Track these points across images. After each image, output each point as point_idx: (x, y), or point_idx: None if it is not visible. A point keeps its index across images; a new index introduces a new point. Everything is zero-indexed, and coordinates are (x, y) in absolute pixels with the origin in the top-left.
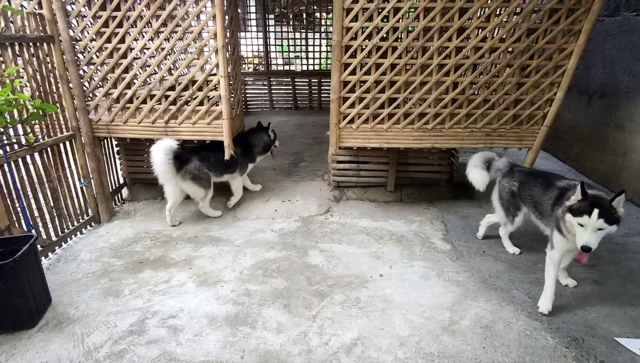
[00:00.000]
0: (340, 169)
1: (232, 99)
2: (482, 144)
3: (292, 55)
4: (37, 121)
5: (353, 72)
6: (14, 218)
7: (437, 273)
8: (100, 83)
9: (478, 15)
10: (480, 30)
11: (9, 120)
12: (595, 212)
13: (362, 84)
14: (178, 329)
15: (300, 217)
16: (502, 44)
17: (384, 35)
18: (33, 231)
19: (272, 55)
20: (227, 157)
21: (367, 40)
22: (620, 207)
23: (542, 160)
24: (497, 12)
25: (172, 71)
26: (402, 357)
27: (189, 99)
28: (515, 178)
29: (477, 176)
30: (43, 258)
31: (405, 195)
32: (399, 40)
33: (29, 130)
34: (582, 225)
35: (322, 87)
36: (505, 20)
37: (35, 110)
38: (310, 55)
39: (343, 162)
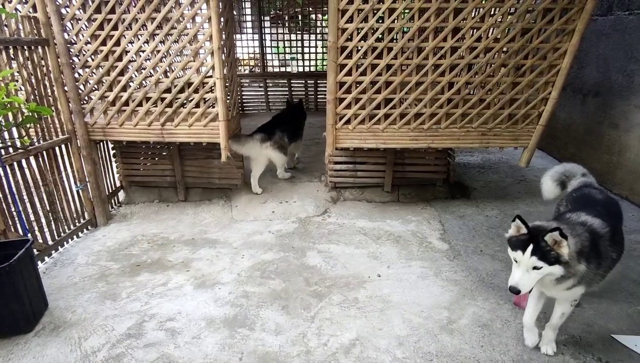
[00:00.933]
0: (338, 170)
1: (228, 101)
2: (478, 144)
3: (288, 56)
4: (32, 124)
5: (349, 73)
6: (10, 223)
7: (434, 272)
8: (95, 86)
9: (472, 15)
10: (474, 30)
11: (3, 124)
12: (530, 247)
13: (358, 85)
14: (176, 332)
15: (298, 218)
16: (497, 44)
17: (380, 36)
18: (29, 235)
19: (268, 56)
20: (223, 159)
21: (362, 41)
22: (564, 247)
23: (538, 159)
24: (492, 12)
25: (168, 74)
26: (400, 356)
27: (185, 101)
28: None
29: (546, 188)
30: (39, 262)
31: (403, 195)
32: (395, 41)
33: (24, 133)
34: (516, 261)
35: (319, 88)
36: (499, 20)
37: (30, 114)
38: (306, 56)
39: (340, 163)
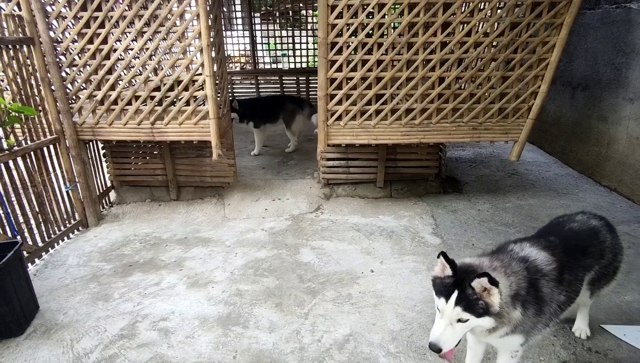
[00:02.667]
0: (330, 167)
1: (218, 99)
2: (469, 138)
3: (279, 53)
4: (19, 125)
5: (339, 69)
6: None
7: (427, 267)
8: (83, 85)
9: (462, 9)
10: (464, 24)
11: None
12: (455, 295)
13: (348, 81)
14: (169, 331)
15: (291, 215)
16: (486, 38)
17: (369, 31)
18: (18, 237)
19: (259, 53)
20: (214, 157)
21: (352, 37)
22: (494, 295)
23: (529, 153)
24: (481, 7)
25: (157, 71)
26: (394, 351)
27: (175, 99)
28: None
29: None
30: (29, 264)
31: (395, 190)
32: (385, 36)
33: (9, 134)
34: (439, 310)
35: (310, 85)
36: (488, 14)
37: (13, 114)
38: (298, 53)
39: (332, 160)
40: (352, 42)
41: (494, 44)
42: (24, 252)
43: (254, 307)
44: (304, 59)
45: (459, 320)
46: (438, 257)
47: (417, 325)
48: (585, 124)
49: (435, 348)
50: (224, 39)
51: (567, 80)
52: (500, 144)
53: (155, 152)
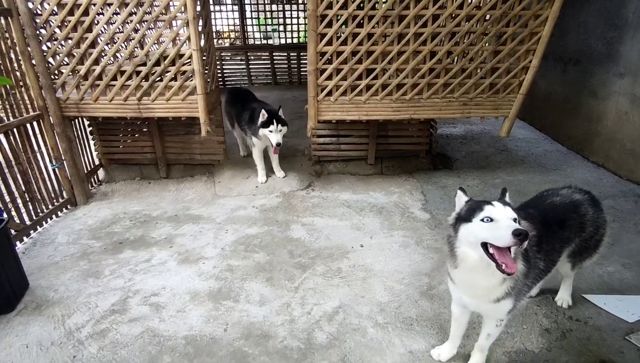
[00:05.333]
0: (321, 144)
1: (206, 73)
2: (460, 114)
3: (269, 28)
4: (0, 101)
5: (329, 43)
6: None
7: (416, 241)
8: (65, 59)
9: None
10: None
11: None
12: (498, 199)
13: (339, 55)
14: (161, 306)
15: (282, 192)
16: (478, 11)
17: (360, 4)
18: (4, 215)
19: (249, 29)
20: (203, 134)
21: (343, 9)
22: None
23: (520, 129)
24: None
25: (142, 45)
26: (382, 322)
27: (162, 74)
28: None
29: None
30: (18, 242)
31: (386, 167)
32: (376, 8)
33: None
34: (490, 220)
35: (302, 61)
36: None
37: None
38: (289, 28)
39: (323, 136)
40: (342, 15)
41: (486, 17)
42: (12, 230)
43: (244, 282)
44: (295, 35)
45: (514, 220)
46: (457, 192)
47: (404, 297)
48: (575, 99)
49: (522, 232)
50: (212, 13)
51: (558, 55)
52: (491, 121)
53: (143, 130)
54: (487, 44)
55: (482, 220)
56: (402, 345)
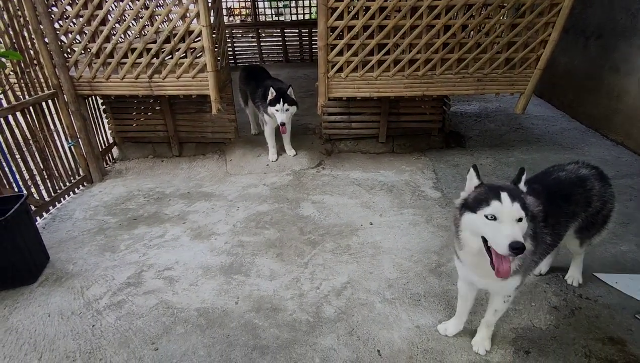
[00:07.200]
0: (332, 122)
1: (216, 50)
2: (474, 90)
3: (280, 4)
4: (16, 80)
5: (340, 17)
6: (4, 181)
7: (426, 219)
8: (77, 37)
9: None
10: None
11: None
12: (506, 194)
13: (350, 30)
14: (174, 280)
15: (292, 171)
16: None
17: None
18: (24, 191)
19: (260, 5)
20: (214, 112)
21: None
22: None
23: (536, 107)
24: None
25: (153, 22)
26: (389, 297)
27: (171, 52)
28: None
29: None
30: (38, 218)
31: (397, 145)
32: None
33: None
34: (493, 218)
35: (313, 38)
36: None
37: None
38: (300, 4)
39: (334, 114)
40: None
41: None
42: (32, 206)
43: (255, 257)
44: (307, 10)
45: (519, 220)
46: (469, 170)
47: (413, 274)
48: (596, 75)
49: (519, 246)
50: None
51: (580, 29)
52: (506, 98)
53: (155, 108)
54: (504, 17)
55: (486, 216)
56: (409, 320)
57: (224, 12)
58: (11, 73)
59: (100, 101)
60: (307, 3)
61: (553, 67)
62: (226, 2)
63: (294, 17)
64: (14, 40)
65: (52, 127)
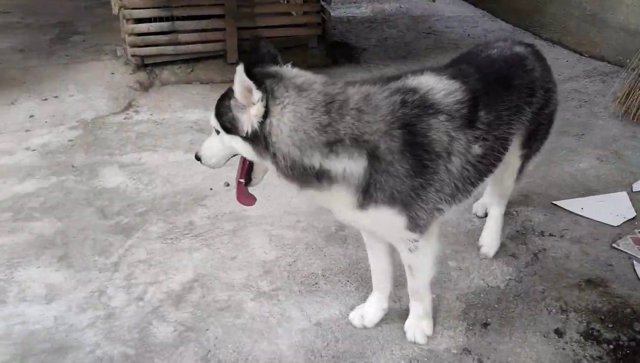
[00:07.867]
0: (143, 34)
1: None
2: None
3: None
4: None
5: None
6: None
7: None
8: None
9: None
10: None
11: None
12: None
13: None
14: None
15: (80, 121)
16: None
17: None
18: None
19: None
20: None
21: None
22: (254, 107)
23: (449, 5)
24: None
25: None
26: (267, 289)
27: None
28: None
29: None
30: None
31: None
32: None
33: None
34: None
35: None
36: None
37: None
38: None
39: (145, 20)
40: None
41: None
42: None
43: (15, 270)
44: None
45: (217, 132)
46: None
47: (302, 247)
48: None
49: (196, 156)
50: None
51: None
52: None
53: None
54: None
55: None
56: (303, 317)
57: None
58: None
59: None
60: None
61: None
62: None
63: None
64: None
65: None
